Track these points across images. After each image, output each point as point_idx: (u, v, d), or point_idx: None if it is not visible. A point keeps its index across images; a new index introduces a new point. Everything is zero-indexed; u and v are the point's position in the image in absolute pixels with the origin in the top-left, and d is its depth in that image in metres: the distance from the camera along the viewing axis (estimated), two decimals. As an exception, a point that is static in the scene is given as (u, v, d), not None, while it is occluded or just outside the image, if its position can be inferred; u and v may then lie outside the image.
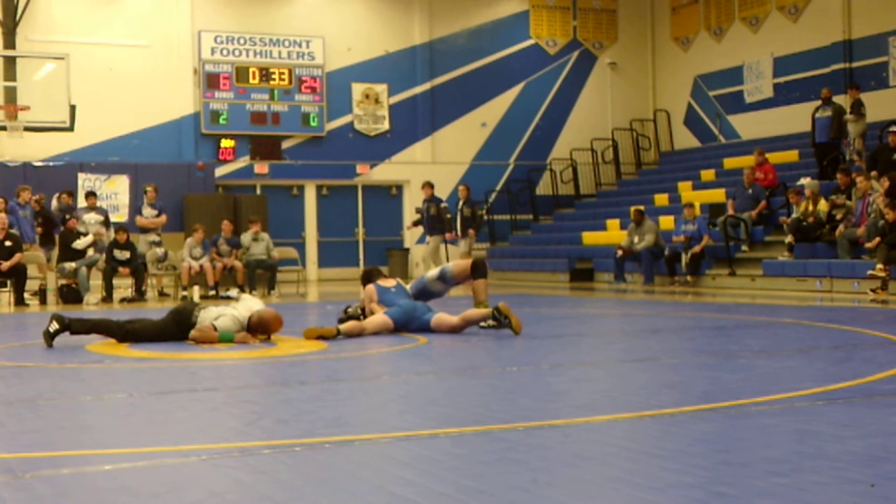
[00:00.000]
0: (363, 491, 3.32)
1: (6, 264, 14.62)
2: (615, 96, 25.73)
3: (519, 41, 25.06)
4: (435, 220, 19.21)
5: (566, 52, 25.48)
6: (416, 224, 20.57)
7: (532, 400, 5.20)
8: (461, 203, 19.82)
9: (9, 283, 14.92)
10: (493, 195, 24.31)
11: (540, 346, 8.02)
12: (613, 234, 20.20)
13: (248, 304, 8.58)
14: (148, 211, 17.05)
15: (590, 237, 21.14)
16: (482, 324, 8.80)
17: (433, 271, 9.97)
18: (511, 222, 24.22)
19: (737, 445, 3.92)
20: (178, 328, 8.35)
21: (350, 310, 9.30)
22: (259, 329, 8.36)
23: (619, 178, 25.18)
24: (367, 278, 9.51)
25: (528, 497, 3.21)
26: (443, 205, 19.32)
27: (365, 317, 9.08)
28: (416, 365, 7.08)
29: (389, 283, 9.41)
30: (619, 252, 18.01)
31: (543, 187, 24.85)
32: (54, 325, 8.25)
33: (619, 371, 6.63)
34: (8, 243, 14.83)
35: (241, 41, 22.35)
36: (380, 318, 8.86)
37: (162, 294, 16.88)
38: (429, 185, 19.52)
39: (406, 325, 8.87)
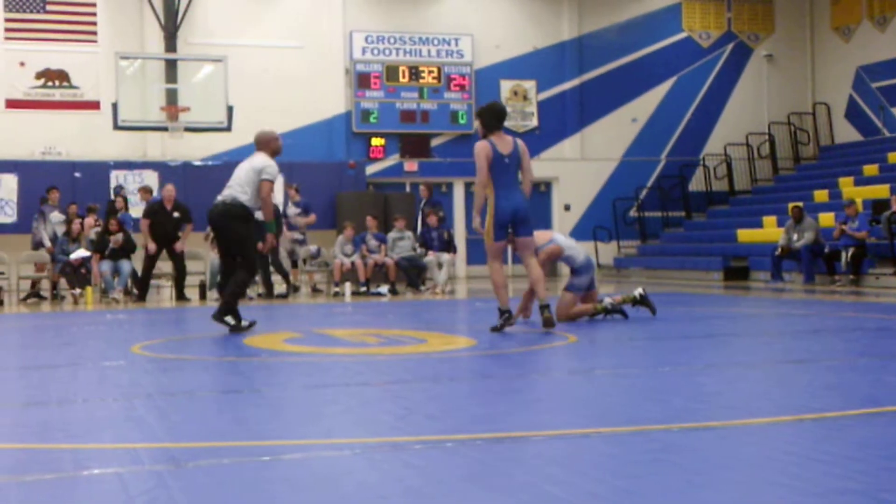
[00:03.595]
0: (514, 488, 3.30)
1: (180, 244, 15.22)
2: (772, 89, 24.98)
3: (671, 34, 24.61)
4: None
5: (720, 44, 24.89)
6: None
7: (686, 400, 5.08)
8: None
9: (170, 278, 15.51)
10: (644, 191, 23.96)
11: (693, 345, 7.84)
12: (770, 231, 19.62)
13: None
14: (292, 209, 17.23)
15: (745, 234, 20.60)
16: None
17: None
18: (662, 219, 23.81)
19: (906, 452, 3.73)
20: None
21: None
22: None
23: (776, 173, 24.45)
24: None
25: (684, 499, 3.13)
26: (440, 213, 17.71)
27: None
28: (567, 363, 7.02)
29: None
30: (779, 250, 17.47)
31: (696, 183, 24.34)
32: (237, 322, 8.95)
33: (777, 372, 6.42)
34: (176, 214, 15.41)
35: (391, 40, 22.65)
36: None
37: (315, 290, 17.23)
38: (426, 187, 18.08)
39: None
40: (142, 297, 15.26)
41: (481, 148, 8.59)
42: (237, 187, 9.14)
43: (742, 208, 23.09)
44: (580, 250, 9.98)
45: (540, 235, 9.73)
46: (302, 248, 16.88)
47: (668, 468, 3.52)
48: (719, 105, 24.76)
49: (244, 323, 9.13)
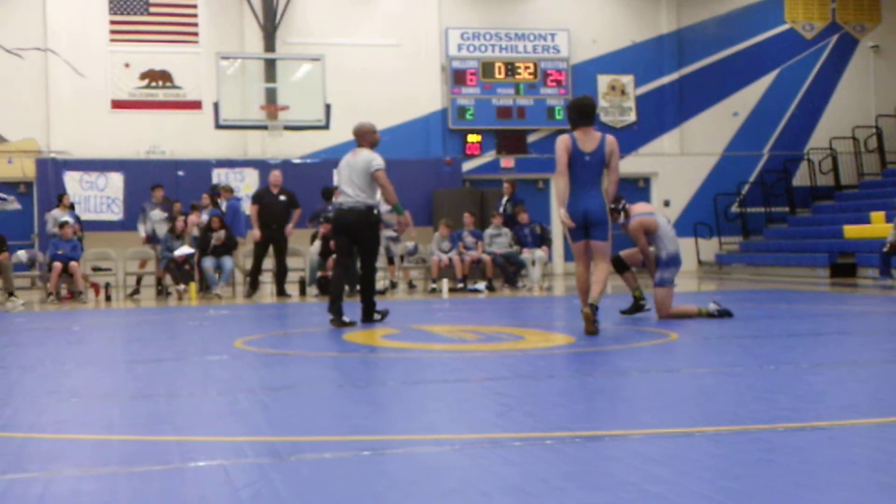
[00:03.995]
0: (615, 486, 3.26)
1: (289, 228, 15.42)
2: (879, 81, 24.27)
3: (773, 26, 24.10)
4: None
5: (824, 36, 24.27)
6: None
7: (792, 400, 4.96)
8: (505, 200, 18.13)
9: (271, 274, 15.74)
10: (746, 187, 23.52)
11: (799, 343, 7.66)
12: (878, 227, 19.04)
13: None
14: (384, 206, 17.22)
15: (852, 230, 20.04)
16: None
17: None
18: (765, 215, 23.34)
19: None
20: None
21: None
22: None
23: (884, 167, 23.73)
24: None
25: (791, 501, 3.05)
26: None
27: None
28: (667, 361, 6.92)
29: None
30: (887, 246, 16.96)
31: (800, 178, 23.78)
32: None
33: (886, 372, 6.22)
34: (283, 198, 15.65)
35: (487, 37, 22.64)
36: None
37: (411, 286, 17.33)
38: None
39: None
40: (252, 291, 15.53)
41: (560, 141, 8.39)
42: (361, 193, 9.59)
43: (848, 203, 22.48)
44: (675, 241, 9.83)
45: (640, 206, 9.64)
46: (398, 245, 16.98)
47: (774, 469, 3.44)
48: (824, 98, 24.15)
49: (377, 316, 9.84)
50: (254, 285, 15.64)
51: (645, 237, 9.71)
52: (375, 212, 9.68)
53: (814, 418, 4.38)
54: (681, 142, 23.58)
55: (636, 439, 4.02)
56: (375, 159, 9.63)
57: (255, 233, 15.49)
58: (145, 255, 17.07)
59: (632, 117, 23.32)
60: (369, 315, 9.80)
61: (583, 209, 8.27)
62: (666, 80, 23.50)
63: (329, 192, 16.42)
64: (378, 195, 9.78)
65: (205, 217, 16.34)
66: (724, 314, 9.54)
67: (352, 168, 9.71)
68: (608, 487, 3.25)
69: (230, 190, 17.94)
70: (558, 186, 8.41)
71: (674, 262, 9.63)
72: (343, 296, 9.68)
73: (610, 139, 8.43)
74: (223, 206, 17.17)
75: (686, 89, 23.58)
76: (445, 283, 16.23)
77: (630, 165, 23.22)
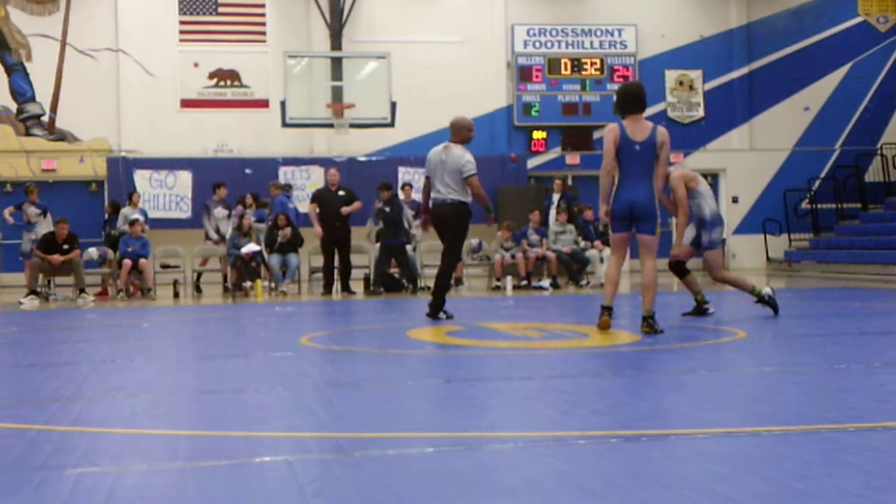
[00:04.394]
0: (681, 486, 3.22)
1: (346, 209, 15.47)
2: (955, 74, 23.69)
3: (846, 19, 23.63)
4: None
5: (899, 28, 23.76)
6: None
7: (863, 399, 4.86)
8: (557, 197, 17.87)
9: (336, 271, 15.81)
10: (817, 182, 23.10)
11: (871, 342, 7.51)
12: (953, 222, 18.59)
13: None
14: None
15: (926, 227, 19.60)
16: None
17: None
18: (837, 211, 22.89)
19: None
20: None
21: None
22: None
23: (961, 162, 23.18)
24: None
25: (861, 502, 2.99)
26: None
27: None
28: (735, 359, 6.83)
29: None
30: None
31: (873, 173, 23.29)
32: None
33: (963, 371, 6.07)
34: (342, 193, 15.69)
35: (553, 33, 22.53)
36: None
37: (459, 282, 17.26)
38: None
39: None
40: (327, 290, 15.46)
41: (609, 131, 8.14)
42: (452, 192, 9.82)
43: (923, 199, 21.99)
44: (714, 200, 9.67)
45: (681, 171, 9.50)
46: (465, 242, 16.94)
47: (844, 469, 3.37)
48: (899, 92, 23.64)
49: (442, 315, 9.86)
50: (328, 285, 15.57)
51: (685, 190, 9.43)
52: (468, 207, 9.87)
53: (885, 418, 4.29)
54: (750, 137, 23.24)
55: (702, 438, 3.96)
56: (467, 164, 9.78)
57: (317, 230, 15.49)
58: (211, 253, 17.30)
59: (700, 112, 23.04)
60: (436, 312, 9.81)
61: (630, 200, 8.01)
62: (735, 74, 23.18)
63: (387, 185, 16.35)
64: (469, 194, 9.94)
65: (253, 217, 16.44)
66: (772, 304, 9.38)
67: (444, 166, 9.83)
68: (673, 487, 3.21)
69: (280, 187, 17.94)
70: (604, 180, 8.12)
71: (718, 220, 9.53)
72: (446, 291, 9.96)
73: (661, 129, 8.16)
74: (272, 202, 17.24)
75: (756, 84, 23.23)
76: (510, 281, 16.20)
77: (698, 161, 22.94)
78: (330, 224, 15.49)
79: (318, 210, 15.60)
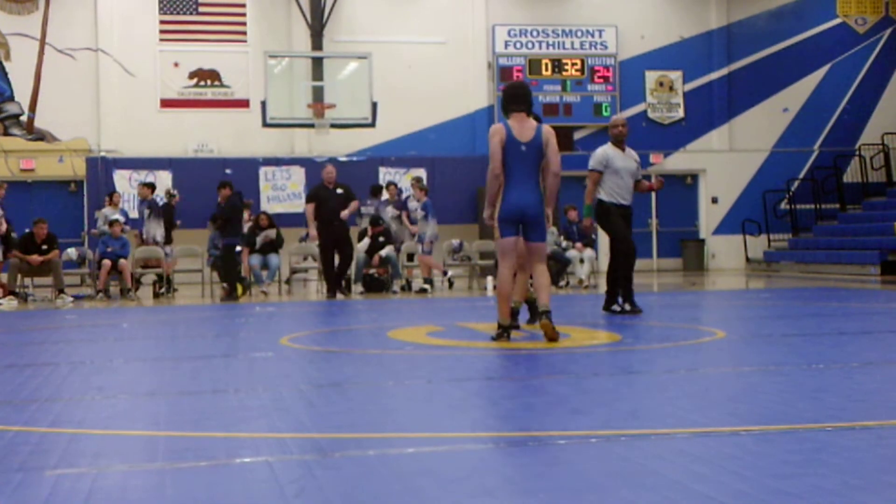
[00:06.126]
0: (660, 485, 3.23)
1: (345, 213, 15.06)
2: (932, 76, 23.86)
3: (824, 21, 23.77)
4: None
5: (877, 30, 23.90)
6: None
7: (841, 399, 4.89)
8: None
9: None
10: (796, 183, 23.23)
11: (849, 342, 7.55)
12: (930, 223, 18.73)
13: None
14: (413, 204, 16.87)
15: (903, 227, 19.73)
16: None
17: None
18: (815, 211, 23.03)
19: None
20: None
21: None
22: None
23: (938, 163, 23.35)
24: None
25: (839, 501, 3.01)
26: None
27: None
28: (715, 359, 6.86)
29: None
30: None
31: (851, 174, 23.44)
32: None
33: (940, 371, 6.12)
34: (339, 191, 15.42)
35: (534, 33, 22.56)
36: None
37: (451, 284, 17.30)
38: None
39: None
40: (331, 292, 14.69)
41: (494, 131, 7.66)
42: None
43: (901, 200, 22.13)
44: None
45: None
46: (447, 242, 16.97)
47: (822, 469, 3.39)
48: (876, 93, 23.77)
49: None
50: (332, 289, 14.76)
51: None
52: (600, 206, 10.44)
53: (863, 417, 4.32)
54: (730, 138, 23.34)
55: (682, 438, 3.98)
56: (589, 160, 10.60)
57: (313, 233, 14.91)
58: (188, 254, 17.22)
59: (680, 113, 23.12)
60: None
61: (519, 205, 7.60)
62: (715, 75, 23.27)
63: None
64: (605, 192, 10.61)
65: None
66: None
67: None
68: (654, 487, 3.22)
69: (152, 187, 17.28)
70: (491, 183, 7.65)
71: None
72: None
73: (546, 128, 7.77)
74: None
75: (735, 85, 23.33)
76: (490, 281, 16.22)
77: (678, 162, 23.07)
78: (329, 223, 14.78)
79: (314, 209, 14.84)
